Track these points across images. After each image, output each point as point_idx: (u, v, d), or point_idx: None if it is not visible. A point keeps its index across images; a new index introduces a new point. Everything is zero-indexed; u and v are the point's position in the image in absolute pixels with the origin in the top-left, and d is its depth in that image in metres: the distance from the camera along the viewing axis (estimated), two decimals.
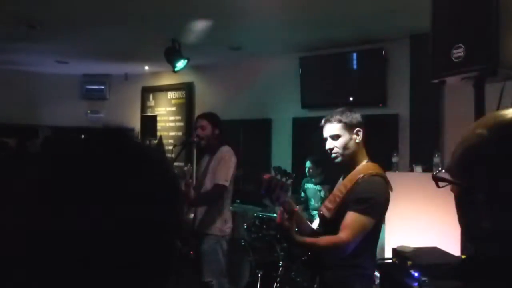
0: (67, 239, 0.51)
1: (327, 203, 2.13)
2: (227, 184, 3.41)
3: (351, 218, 1.96)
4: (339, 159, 2.10)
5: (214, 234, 3.45)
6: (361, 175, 2.03)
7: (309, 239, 2.02)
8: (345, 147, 2.08)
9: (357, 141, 2.09)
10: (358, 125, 2.10)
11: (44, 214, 0.52)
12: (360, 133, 2.10)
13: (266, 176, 1.97)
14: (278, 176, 1.93)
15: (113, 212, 0.53)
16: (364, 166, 2.09)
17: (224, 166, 3.45)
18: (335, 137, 2.09)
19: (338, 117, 2.09)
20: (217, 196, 3.47)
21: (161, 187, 0.59)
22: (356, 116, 2.12)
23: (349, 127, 2.08)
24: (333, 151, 2.10)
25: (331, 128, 2.10)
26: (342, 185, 2.09)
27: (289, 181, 1.96)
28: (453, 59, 1.92)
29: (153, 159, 0.61)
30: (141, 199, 0.55)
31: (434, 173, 0.90)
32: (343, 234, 1.94)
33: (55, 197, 0.53)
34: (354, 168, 2.11)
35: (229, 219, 3.59)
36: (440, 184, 0.89)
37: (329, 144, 2.11)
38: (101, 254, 0.52)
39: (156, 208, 0.57)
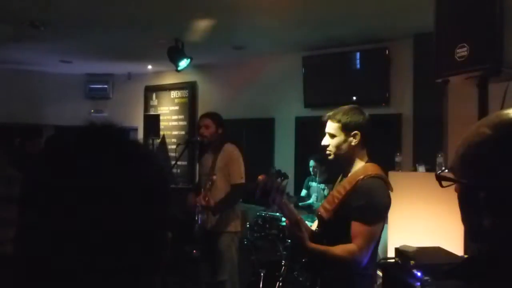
0: (54, 239, 0.52)
1: (325, 204, 2.10)
2: (243, 181, 3.55)
3: (360, 229, 1.93)
4: (331, 157, 2.09)
5: (230, 231, 3.55)
6: (361, 177, 1.99)
7: (322, 247, 1.98)
8: (337, 147, 2.05)
9: (352, 143, 2.04)
10: (356, 127, 2.04)
11: (34, 214, 0.53)
12: (358, 136, 2.04)
13: (261, 177, 1.93)
14: (273, 177, 1.90)
15: (100, 211, 0.53)
16: (364, 167, 2.06)
17: (236, 165, 3.57)
18: (331, 136, 2.07)
19: (338, 116, 2.06)
20: (240, 196, 3.65)
21: (149, 184, 0.59)
22: (358, 118, 2.05)
23: (346, 129, 2.03)
24: (326, 148, 2.09)
25: (329, 126, 2.08)
26: (341, 186, 2.06)
27: (285, 182, 1.93)
28: (457, 58, 1.92)
29: (138, 157, 0.61)
30: (127, 197, 0.56)
31: (438, 173, 0.90)
32: (356, 244, 1.92)
33: (44, 198, 0.53)
34: (351, 167, 2.09)
35: (240, 214, 3.72)
36: (444, 183, 0.88)
37: (325, 140, 2.09)
38: (91, 252, 0.53)
39: (143, 205, 0.57)
